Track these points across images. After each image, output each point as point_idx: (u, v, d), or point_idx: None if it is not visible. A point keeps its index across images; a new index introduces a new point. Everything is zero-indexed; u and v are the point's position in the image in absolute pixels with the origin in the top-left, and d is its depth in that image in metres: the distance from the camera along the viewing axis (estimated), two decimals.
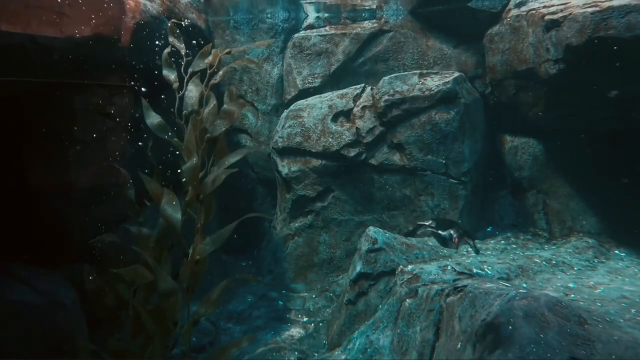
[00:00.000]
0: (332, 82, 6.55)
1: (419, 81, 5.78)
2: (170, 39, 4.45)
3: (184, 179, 4.09)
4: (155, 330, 3.68)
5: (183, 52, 4.40)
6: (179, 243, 3.97)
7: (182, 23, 4.53)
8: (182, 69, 4.38)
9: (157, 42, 4.68)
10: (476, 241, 5.67)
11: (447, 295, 3.98)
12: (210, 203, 4.09)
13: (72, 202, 4.23)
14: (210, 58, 4.40)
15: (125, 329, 3.83)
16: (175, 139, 4.17)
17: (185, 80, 4.32)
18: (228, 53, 4.56)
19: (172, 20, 4.56)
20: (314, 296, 5.91)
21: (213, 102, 4.30)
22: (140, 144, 4.44)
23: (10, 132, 3.88)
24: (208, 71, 4.36)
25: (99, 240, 4.00)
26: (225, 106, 4.29)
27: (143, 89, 4.46)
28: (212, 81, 4.37)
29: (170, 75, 4.32)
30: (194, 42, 5.37)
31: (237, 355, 4.95)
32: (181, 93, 4.28)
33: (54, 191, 4.14)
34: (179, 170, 4.14)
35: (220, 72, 4.42)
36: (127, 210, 4.16)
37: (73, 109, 4.33)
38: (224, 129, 4.21)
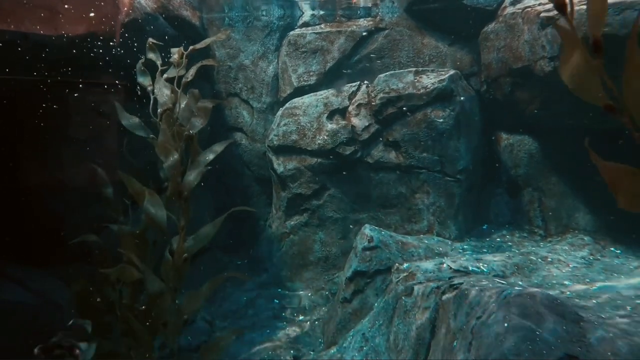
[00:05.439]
0: (328, 80, 6.53)
1: (415, 79, 5.78)
2: (149, 55, 4.52)
3: (164, 177, 4.12)
4: (143, 332, 3.67)
5: (159, 63, 4.48)
6: (167, 243, 3.98)
7: (161, 43, 4.62)
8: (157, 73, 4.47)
9: (150, 39, 4.66)
10: (471, 239, 5.68)
11: (443, 292, 3.98)
12: (190, 200, 4.14)
13: (66, 202, 4.21)
14: (176, 56, 4.47)
15: (115, 329, 3.81)
16: (152, 136, 4.22)
17: (156, 81, 4.40)
18: (192, 51, 4.60)
19: (150, 40, 4.57)
20: (309, 294, 5.90)
21: (185, 100, 4.35)
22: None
23: (3, 131, 3.85)
24: (177, 69, 4.42)
25: (80, 240, 3.98)
26: (199, 103, 4.33)
27: (125, 87, 4.52)
28: (184, 80, 4.42)
29: (145, 81, 4.43)
30: (188, 39, 5.34)
31: (233, 354, 4.94)
32: (155, 94, 4.36)
33: (47, 190, 4.12)
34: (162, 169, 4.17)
35: (192, 71, 4.47)
36: (120, 210, 4.16)
37: (66, 107, 4.31)
38: (201, 125, 4.26)
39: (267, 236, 6.37)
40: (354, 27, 6.61)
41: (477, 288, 3.67)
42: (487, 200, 6.21)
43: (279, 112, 6.23)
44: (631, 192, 1.06)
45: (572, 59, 1.16)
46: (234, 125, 6.87)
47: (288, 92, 6.62)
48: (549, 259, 4.94)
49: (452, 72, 5.84)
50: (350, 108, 5.89)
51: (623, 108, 1.10)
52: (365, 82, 6.08)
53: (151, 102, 4.34)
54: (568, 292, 4.09)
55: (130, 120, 4.29)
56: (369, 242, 5.01)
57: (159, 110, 4.28)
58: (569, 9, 1.21)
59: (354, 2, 6.65)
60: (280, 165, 5.98)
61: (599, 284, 4.30)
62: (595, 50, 1.13)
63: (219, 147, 4.32)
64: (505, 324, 3.12)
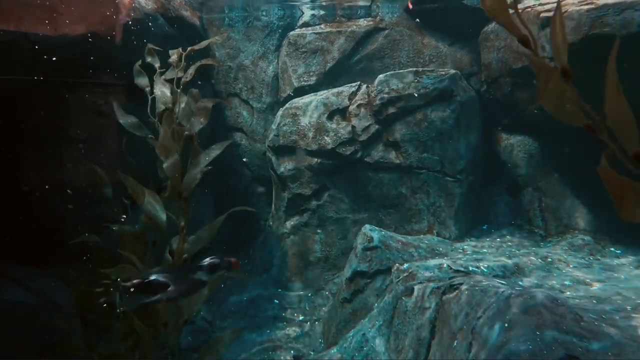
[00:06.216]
0: (328, 80, 6.53)
1: (415, 79, 5.77)
2: (147, 59, 4.54)
3: (164, 177, 4.12)
4: (145, 332, 3.67)
5: (157, 65, 4.49)
6: (167, 243, 3.98)
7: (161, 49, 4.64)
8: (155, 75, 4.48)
9: (151, 40, 4.66)
10: (471, 239, 5.67)
11: (443, 293, 3.98)
12: (190, 200, 4.15)
13: (66, 202, 4.20)
14: (174, 57, 4.48)
15: (115, 330, 3.81)
16: (151, 136, 4.22)
17: (155, 81, 4.41)
18: (191, 52, 4.60)
19: (149, 45, 4.58)
20: (310, 294, 5.90)
21: (185, 100, 4.36)
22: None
23: (3, 131, 3.85)
24: (176, 70, 4.43)
25: (80, 240, 3.98)
26: (199, 103, 4.33)
27: (125, 87, 4.52)
28: (184, 79, 4.43)
29: (143, 82, 4.44)
30: (188, 39, 5.34)
31: (233, 354, 4.93)
32: (153, 94, 4.37)
33: (47, 190, 4.12)
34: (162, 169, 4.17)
35: (191, 70, 4.47)
36: (120, 210, 4.16)
37: (66, 107, 4.31)
38: (201, 125, 4.27)
39: (267, 236, 6.37)
40: (354, 27, 6.61)
41: (477, 288, 3.67)
42: (487, 200, 6.21)
43: (279, 112, 6.22)
44: (633, 204, 1.07)
45: (547, 87, 1.19)
46: (234, 125, 6.87)
47: (288, 92, 6.61)
48: (549, 259, 4.94)
49: (452, 72, 5.84)
50: (351, 108, 5.89)
51: (602, 126, 1.12)
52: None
53: (149, 102, 4.34)
54: (568, 292, 4.09)
55: (128, 120, 4.28)
56: (369, 242, 5.01)
57: (157, 110, 4.28)
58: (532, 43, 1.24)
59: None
60: (280, 165, 5.98)
61: (599, 284, 4.30)
62: (564, 77, 1.17)
63: (219, 147, 4.32)
64: (506, 324, 3.12)
